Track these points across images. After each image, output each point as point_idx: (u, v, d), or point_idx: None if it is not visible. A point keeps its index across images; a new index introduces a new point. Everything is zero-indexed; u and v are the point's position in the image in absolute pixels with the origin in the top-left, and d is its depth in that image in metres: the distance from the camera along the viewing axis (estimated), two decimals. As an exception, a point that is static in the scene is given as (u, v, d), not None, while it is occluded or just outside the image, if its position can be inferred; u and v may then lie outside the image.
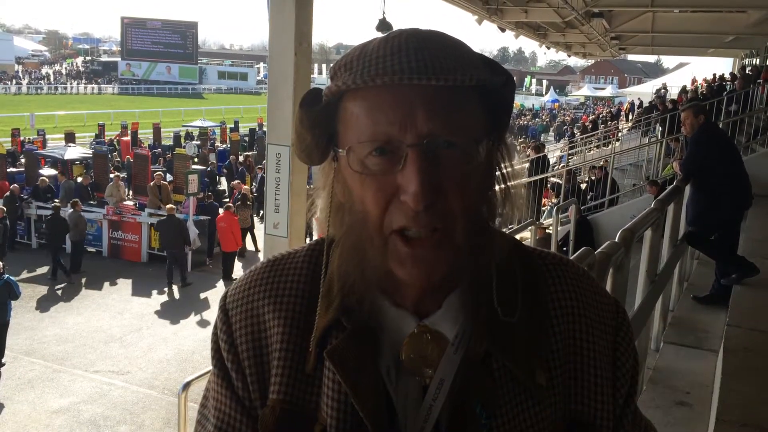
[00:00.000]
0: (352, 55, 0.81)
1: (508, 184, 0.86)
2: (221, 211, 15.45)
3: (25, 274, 14.35)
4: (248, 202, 16.36)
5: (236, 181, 18.39)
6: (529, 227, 8.97)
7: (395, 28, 0.87)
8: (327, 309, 0.86)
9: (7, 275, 9.99)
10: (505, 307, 0.84)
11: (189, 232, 14.37)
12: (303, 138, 0.85)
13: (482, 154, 0.79)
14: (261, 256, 14.27)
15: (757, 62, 22.33)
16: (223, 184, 22.54)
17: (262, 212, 13.79)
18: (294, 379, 0.86)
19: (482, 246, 0.82)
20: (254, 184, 19.72)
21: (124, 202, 17.24)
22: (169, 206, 14.68)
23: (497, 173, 0.85)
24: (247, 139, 30.75)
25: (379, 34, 0.83)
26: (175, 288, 13.79)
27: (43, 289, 13.60)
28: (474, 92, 0.79)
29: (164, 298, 13.43)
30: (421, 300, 0.85)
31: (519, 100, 70.99)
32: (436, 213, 0.76)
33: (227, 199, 18.64)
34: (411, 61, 0.75)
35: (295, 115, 0.85)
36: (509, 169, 0.86)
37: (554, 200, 14.03)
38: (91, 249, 16.11)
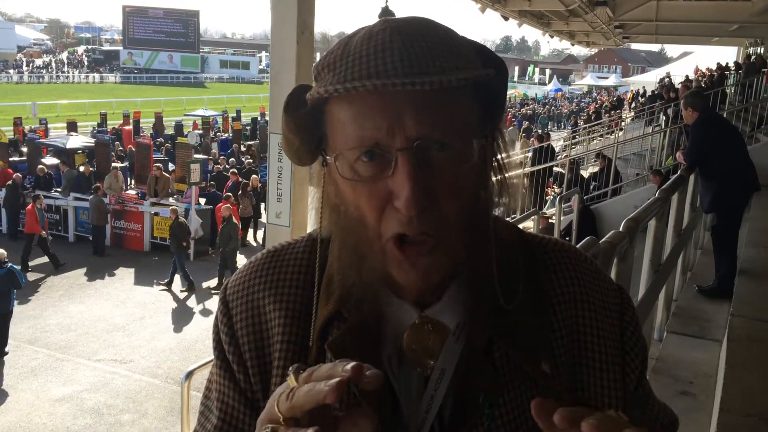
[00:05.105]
0: (335, 53, 0.78)
1: (505, 175, 0.84)
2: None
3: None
4: (249, 191, 16.33)
5: (231, 170, 18.35)
6: (532, 217, 8.94)
7: (398, 16, 0.84)
8: (327, 300, 0.85)
9: (10, 264, 10.02)
10: (506, 295, 0.83)
11: (191, 222, 14.43)
12: (291, 142, 0.83)
13: (477, 151, 0.77)
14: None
15: (762, 51, 22.20)
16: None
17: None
18: (296, 371, 0.85)
19: (481, 240, 0.80)
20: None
21: (125, 192, 17.24)
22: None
23: (494, 164, 0.83)
24: (249, 128, 30.69)
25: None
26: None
27: (45, 278, 13.64)
28: (466, 87, 0.76)
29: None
30: (423, 291, 0.84)
31: (522, 90, 70.84)
32: (429, 218, 0.74)
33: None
34: (395, 61, 0.72)
35: (282, 119, 0.83)
36: (506, 160, 0.84)
37: (557, 190, 14.01)
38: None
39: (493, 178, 0.84)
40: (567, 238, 9.53)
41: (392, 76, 0.71)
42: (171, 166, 19.40)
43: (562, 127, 44.11)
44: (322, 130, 0.81)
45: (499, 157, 0.84)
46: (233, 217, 13.63)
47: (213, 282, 13.56)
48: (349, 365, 0.63)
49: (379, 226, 0.77)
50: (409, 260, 0.76)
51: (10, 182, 16.66)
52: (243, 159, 21.25)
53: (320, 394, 0.62)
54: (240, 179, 17.07)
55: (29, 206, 14.69)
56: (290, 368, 0.69)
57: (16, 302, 10.32)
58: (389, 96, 0.73)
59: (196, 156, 18.57)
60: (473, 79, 0.74)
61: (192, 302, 12.63)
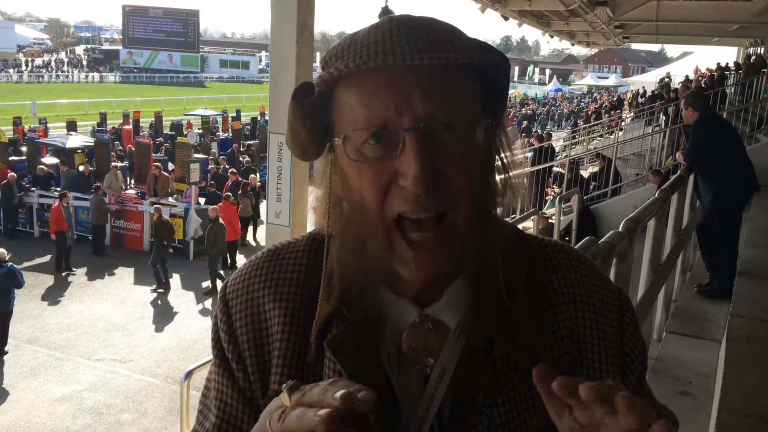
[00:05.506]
0: (342, 44, 0.79)
1: (509, 172, 0.85)
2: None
3: (27, 263, 14.33)
4: (249, 191, 16.31)
5: (231, 170, 18.35)
6: (532, 217, 8.94)
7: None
8: (328, 299, 0.86)
9: (10, 263, 10.02)
10: (507, 295, 0.83)
11: (191, 222, 14.43)
12: (297, 133, 0.83)
13: (481, 135, 0.78)
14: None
15: (762, 51, 22.20)
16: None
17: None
18: (295, 369, 0.86)
19: (486, 233, 0.80)
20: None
21: (125, 191, 17.23)
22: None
23: (497, 162, 0.84)
24: (249, 128, 30.64)
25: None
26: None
27: (45, 278, 13.63)
28: (470, 72, 0.78)
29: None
30: (423, 289, 0.84)
31: (522, 89, 70.80)
32: (437, 196, 0.75)
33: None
34: (403, 43, 0.74)
35: (288, 110, 0.83)
36: (509, 157, 0.85)
37: (557, 190, 14.00)
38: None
39: (498, 176, 0.84)
40: (567, 239, 9.53)
41: (399, 54, 0.73)
42: (171, 166, 19.39)
43: (562, 127, 44.10)
44: (328, 118, 0.81)
45: (502, 152, 0.84)
46: (219, 218, 13.53)
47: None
48: (339, 393, 0.63)
49: (382, 207, 0.77)
50: (417, 258, 0.77)
51: (4, 182, 16.65)
52: (241, 159, 21.20)
53: (311, 423, 0.63)
54: (240, 179, 17.06)
55: (55, 204, 14.65)
56: (284, 385, 0.68)
57: (15, 301, 10.31)
58: (397, 75, 0.74)
59: (196, 156, 18.56)
60: (478, 59, 0.76)
61: (192, 302, 12.62)
